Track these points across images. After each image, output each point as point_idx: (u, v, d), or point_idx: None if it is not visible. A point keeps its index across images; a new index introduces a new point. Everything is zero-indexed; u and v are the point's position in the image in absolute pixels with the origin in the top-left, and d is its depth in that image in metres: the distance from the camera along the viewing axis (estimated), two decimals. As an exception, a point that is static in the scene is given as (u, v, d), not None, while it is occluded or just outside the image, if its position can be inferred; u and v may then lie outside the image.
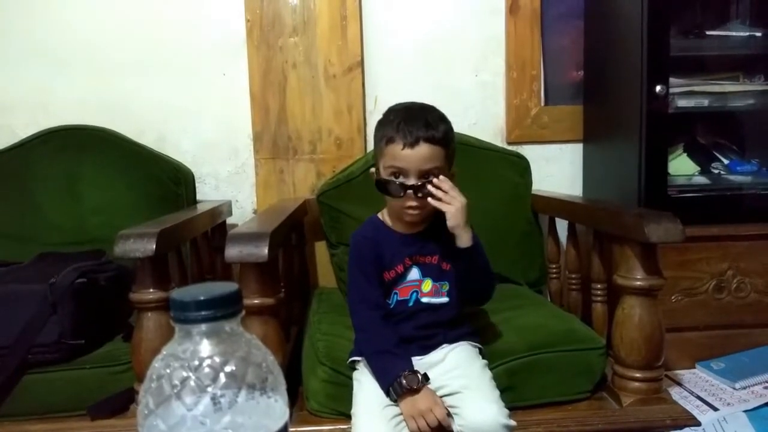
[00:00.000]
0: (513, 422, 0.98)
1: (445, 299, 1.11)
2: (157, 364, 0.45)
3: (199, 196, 1.75)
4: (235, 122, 1.82)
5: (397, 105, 1.10)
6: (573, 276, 1.50)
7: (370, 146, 1.57)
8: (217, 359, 0.44)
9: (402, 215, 1.08)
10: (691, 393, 1.47)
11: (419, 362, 1.06)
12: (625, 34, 1.58)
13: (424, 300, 1.10)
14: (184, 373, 0.43)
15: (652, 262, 1.11)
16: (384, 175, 1.06)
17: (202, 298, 0.44)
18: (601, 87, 1.77)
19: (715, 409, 1.39)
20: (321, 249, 1.75)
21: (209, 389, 0.43)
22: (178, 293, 0.45)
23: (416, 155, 1.02)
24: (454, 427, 0.98)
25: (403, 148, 1.02)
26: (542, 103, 1.88)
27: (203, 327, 0.44)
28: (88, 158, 1.64)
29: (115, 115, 1.76)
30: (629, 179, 1.56)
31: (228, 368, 0.44)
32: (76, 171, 1.63)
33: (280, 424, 0.46)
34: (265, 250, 1.02)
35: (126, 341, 1.21)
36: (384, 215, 1.15)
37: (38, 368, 1.15)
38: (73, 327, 1.17)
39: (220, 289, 0.45)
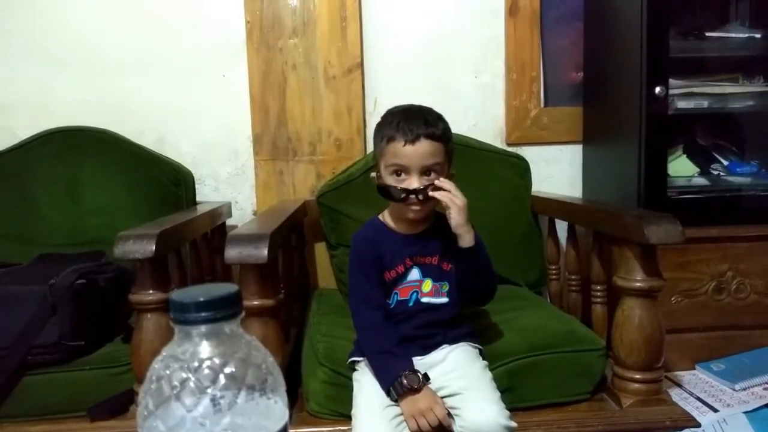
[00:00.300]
0: (513, 423, 0.98)
1: (444, 299, 1.12)
2: (156, 365, 0.45)
3: (198, 198, 1.75)
4: (235, 123, 1.82)
5: (395, 108, 1.11)
6: (573, 277, 1.50)
7: (370, 147, 1.57)
8: (216, 360, 0.44)
9: (405, 213, 1.09)
10: (691, 394, 1.46)
11: (420, 362, 1.06)
12: (624, 35, 1.58)
13: (424, 300, 1.11)
14: (184, 375, 0.43)
15: (652, 263, 1.11)
16: (385, 174, 1.07)
17: (201, 299, 0.44)
18: (601, 88, 1.77)
19: (715, 410, 1.39)
20: (321, 250, 1.75)
21: (209, 390, 0.43)
22: (178, 294, 0.45)
23: (417, 151, 1.03)
24: (455, 428, 0.99)
25: (404, 145, 1.03)
26: (542, 105, 1.88)
27: (203, 328, 0.44)
28: (87, 160, 1.64)
29: (114, 116, 1.76)
30: (629, 180, 1.56)
31: (228, 369, 0.44)
32: (76, 172, 1.63)
33: (280, 425, 0.46)
34: (265, 252, 1.03)
35: (126, 342, 1.21)
36: (385, 216, 1.16)
37: (38, 369, 1.15)
38: (72, 328, 1.17)
39: (220, 291, 0.45)
